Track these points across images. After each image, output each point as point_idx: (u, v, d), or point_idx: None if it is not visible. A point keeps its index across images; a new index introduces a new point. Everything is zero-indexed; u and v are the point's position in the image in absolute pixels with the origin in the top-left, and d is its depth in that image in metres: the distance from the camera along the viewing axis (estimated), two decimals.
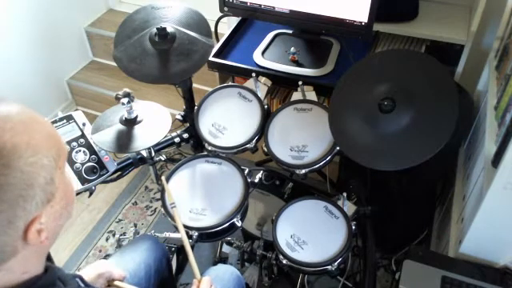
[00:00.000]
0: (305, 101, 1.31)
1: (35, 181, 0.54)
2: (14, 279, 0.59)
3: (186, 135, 1.55)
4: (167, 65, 1.31)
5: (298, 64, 1.50)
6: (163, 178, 1.23)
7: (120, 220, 1.94)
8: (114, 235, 1.88)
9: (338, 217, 1.20)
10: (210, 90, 1.37)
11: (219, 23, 1.67)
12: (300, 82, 1.34)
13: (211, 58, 1.54)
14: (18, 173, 0.52)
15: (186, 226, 1.18)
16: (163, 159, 1.53)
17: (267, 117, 1.30)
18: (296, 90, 1.34)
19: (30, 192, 0.54)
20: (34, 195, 0.55)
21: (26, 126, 0.55)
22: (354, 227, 1.17)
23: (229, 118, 1.32)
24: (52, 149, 0.57)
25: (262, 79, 1.38)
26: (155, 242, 1.20)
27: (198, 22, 1.37)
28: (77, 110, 2.17)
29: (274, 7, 1.47)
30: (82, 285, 0.73)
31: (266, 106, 1.31)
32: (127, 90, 1.28)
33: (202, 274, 1.16)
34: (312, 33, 1.58)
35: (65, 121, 1.30)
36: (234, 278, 1.15)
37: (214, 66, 1.57)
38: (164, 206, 1.22)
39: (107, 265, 0.97)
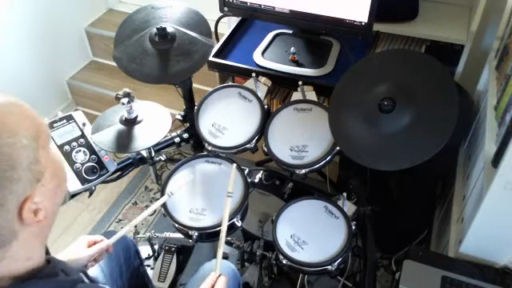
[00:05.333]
0: (305, 101, 1.31)
1: (17, 162, 0.55)
2: (20, 267, 0.60)
3: (186, 135, 1.55)
4: (167, 65, 1.31)
5: (297, 64, 1.50)
6: (234, 165, 1.19)
7: (120, 220, 1.94)
8: None
9: (338, 217, 1.20)
10: (210, 90, 1.37)
11: (219, 23, 1.67)
12: (300, 82, 1.34)
13: (211, 58, 1.54)
14: None
15: (185, 226, 1.18)
16: (163, 159, 1.53)
17: (267, 117, 1.30)
18: (296, 90, 1.34)
19: (14, 173, 0.55)
20: (20, 176, 0.55)
21: (1, 109, 0.56)
22: (354, 227, 1.17)
23: (229, 118, 1.32)
24: (29, 129, 0.58)
25: (262, 79, 1.38)
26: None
27: (198, 22, 1.37)
28: (77, 110, 2.17)
29: (274, 7, 1.47)
30: (87, 280, 0.73)
31: (266, 106, 1.31)
32: (127, 90, 1.28)
33: (198, 269, 1.16)
34: (312, 33, 1.58)
35: (65, 121, 1.31)
36: (228, 272, 1.14)
37: (213, 66, 1.57)
38: (164, 206, 1.22)
39: (81, 238, 1.01)
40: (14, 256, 0.58)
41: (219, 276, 0.93)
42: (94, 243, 1.02)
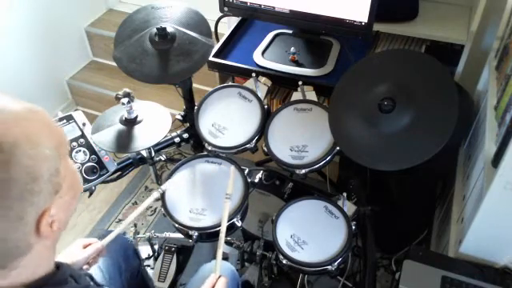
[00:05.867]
0: (305, 101, 1.31)
1: (39, 174, 0.53)
2: (30, 275, 0.59)
3: (186, 135, 1.55)
4: (167, 65, 1.31)
5: (297, 64, 1.50)
6: (233, 167, 1.19)
7: (120, 220, 1.94)
8: None
9: (338, 217, 1.20)
10: (210, 90, 1.37)
11: (219, 23, 1.67)
12: (300, 82, 1.34)
13: (211, 58, 1.54)
14: (19, 167, 0.50)
15: (185, 226, 1.18)
16: (163, 159, 1.53)
17: (267, 117, 1.30)
18: (296, 90, 1.34)
19: (36, 186, 0.52)
20: (41, 188, 0.53)
21: (21, 118, 0.54)
22: (354, 227, 1.17)
23: (229, 118, 1.32)
24: (51, 138, 0.55)
25: (262, 79, 1.38)
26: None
27: (198, 22, 1.37)
28: (77, 109, 2.17)
29: (274, 7, 1.47)
30: (92, 283, 0.73)
31: (266, 106, 1.31)
32: (127, 90, 1.28)
33: (198, 270, 1.16)
34: (312, 33, 1.58)
35: (65, 121, 1.31)
36: (228, 273, 1.15)
37: (214, 66, 1.57)
38: (164, 206, 1.22)
39: (78, 241, 1.01)
40: (26, 265, 0.58)
41: (219, 277, 0.93)
42: (89, 245, 1.02)
